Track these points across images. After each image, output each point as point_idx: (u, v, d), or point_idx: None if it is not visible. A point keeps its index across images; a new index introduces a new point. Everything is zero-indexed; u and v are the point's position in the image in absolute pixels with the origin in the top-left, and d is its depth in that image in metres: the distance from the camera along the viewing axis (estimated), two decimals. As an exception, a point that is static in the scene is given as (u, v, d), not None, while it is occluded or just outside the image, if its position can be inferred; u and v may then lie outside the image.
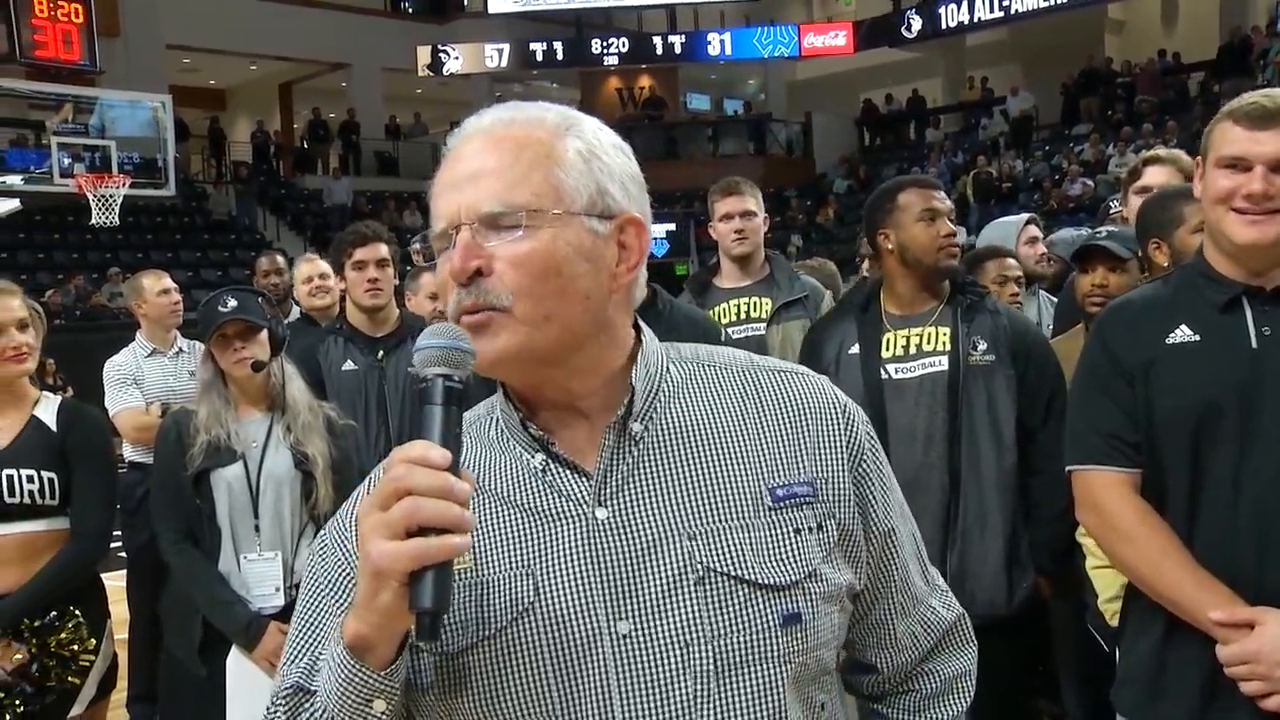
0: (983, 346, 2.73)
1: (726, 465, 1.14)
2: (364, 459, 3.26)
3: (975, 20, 22.14)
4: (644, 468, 1.13)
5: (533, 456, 1.13)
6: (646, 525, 1.10)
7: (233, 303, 2.89)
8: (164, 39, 20.09)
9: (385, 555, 0.95)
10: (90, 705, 2.84)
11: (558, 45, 24.62)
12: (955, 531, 2.70)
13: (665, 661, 1.08)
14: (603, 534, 1.10)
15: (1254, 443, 1.85)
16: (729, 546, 1.11)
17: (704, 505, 1.12)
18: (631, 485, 1.12)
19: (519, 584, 1.10)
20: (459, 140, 1.15)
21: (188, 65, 23.00)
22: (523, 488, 1.13)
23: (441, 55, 23.95)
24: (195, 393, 3.05)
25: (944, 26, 22.69)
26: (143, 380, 4.59)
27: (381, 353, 3.60)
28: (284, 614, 2.93)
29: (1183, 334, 1.93)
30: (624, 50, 24.86)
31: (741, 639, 1.09)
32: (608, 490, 1.11)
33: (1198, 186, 1.97)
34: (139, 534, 4.37)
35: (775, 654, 1.10)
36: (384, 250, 3.64)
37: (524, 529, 1.11)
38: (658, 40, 24.96)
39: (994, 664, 2.56)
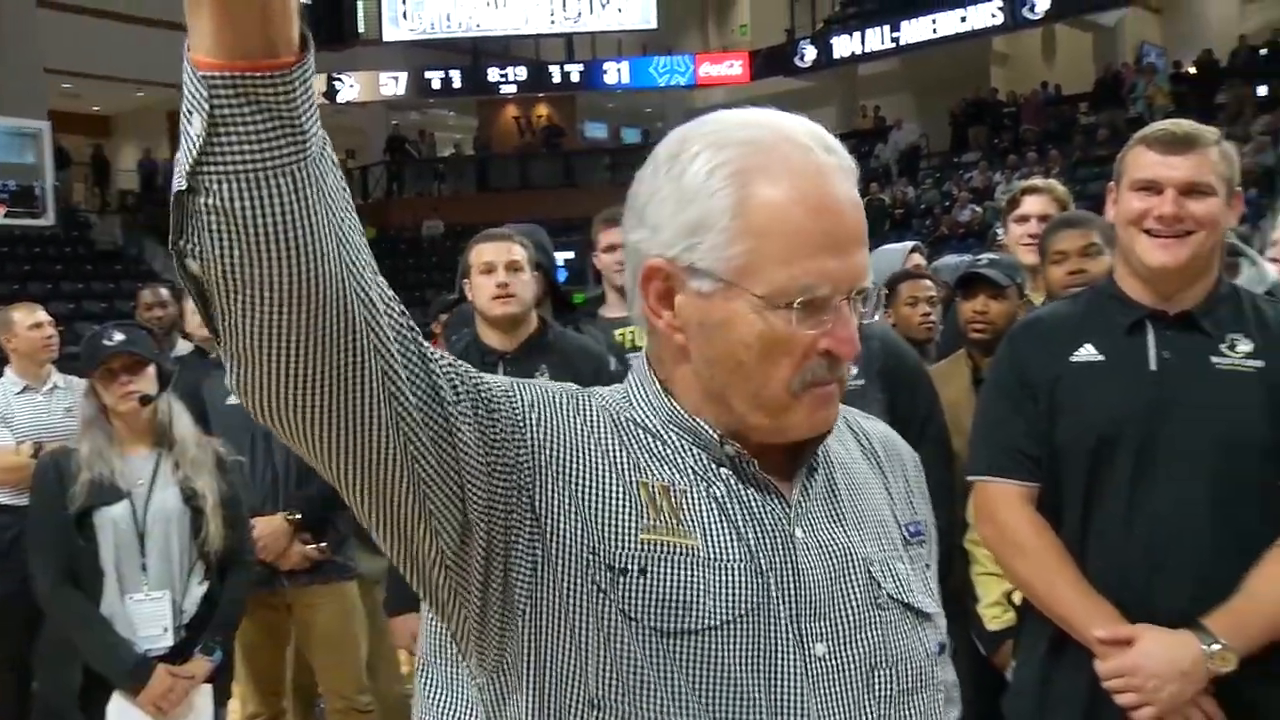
0: (853, 371, 2.75)
1: (874, 498, 1.16)
2: (250, 495, 3.18)
3: (867, 51, 22.66)
4: (823, 494, 1.11)
5: (716, 471, 1.06)
6: (834, 550, 1.09)
7: (119, 336, 2.82)
8: (43, 63, 19.43)
9: None
10: None
11: (455, 73, 24.51)
12: None
13: (855, 685, 1.07)
14: (800, 555, 1.07)
15: (1149, 465, 1.89)
16: (898, 575, 1.12)
17: (872, 534, 1.12)
18: (817, 510, 1.10)
19: (752, 578, 1.03)
20: (822, 170, 1.01)
21: (69, 90, 22.29)
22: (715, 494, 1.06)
23: (336, 83, 23.60)
24: (73, 430, 2.94)
25: (837, 57, 23.19)
26: (12, 419, 4.35)
27: None
28: (172, 655, 2.83)
29: (1088, 353, 1.97)
30: (521, 79, 24.85)
31: (915, 665, 1.11)
32: (799, 512, 1.08)
33: (1111, 210, 2.01)
34: (7, 580, 4.09)
35: (935, 680, 1.12)
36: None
37: (730, 529, 1.05)
38: (555, 69, 25.00)
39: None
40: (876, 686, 1.08)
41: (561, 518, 1.00)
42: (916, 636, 1.11)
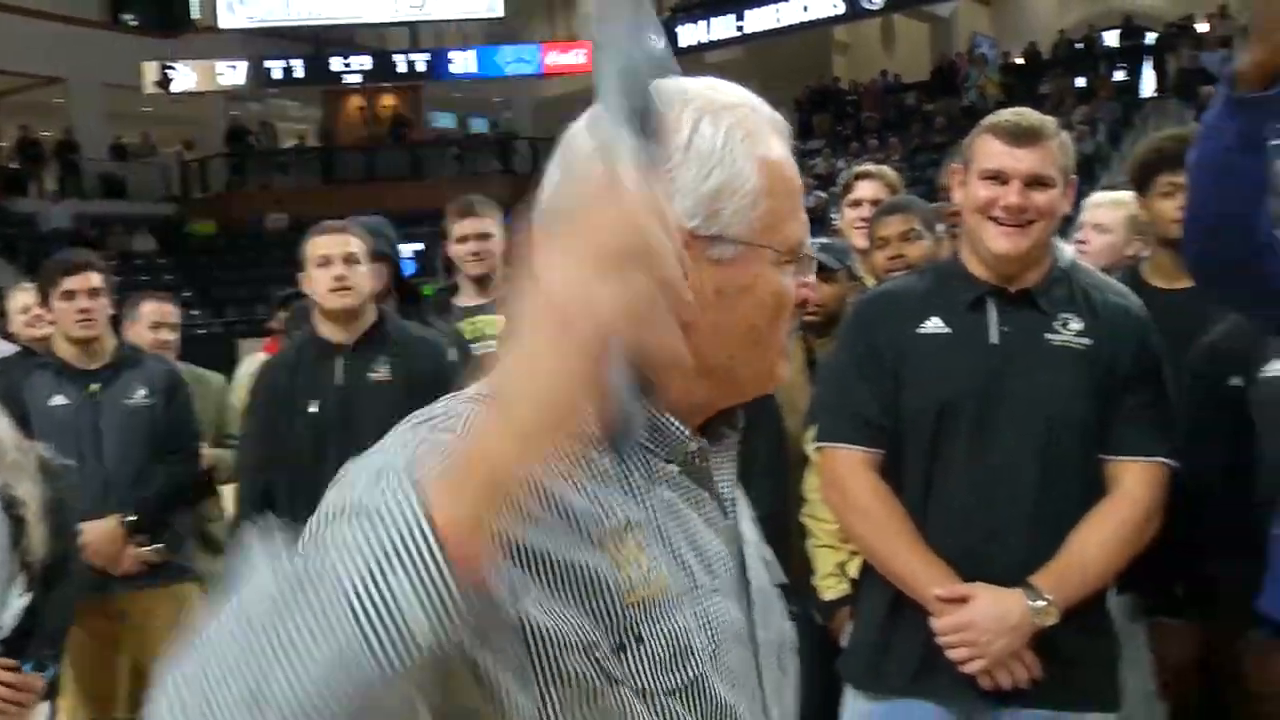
0: None
1: None
2: (79, 500, 3.05)
3: (713, 39, 22.95)
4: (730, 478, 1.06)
5: (665, 465, 0.96)
6: (749, 542, 1.05)
7: None
8: None
9: (617, 311, 0.71)
10: None
11: (296, 63, 23.85)
12: None
13: (775, 666, 1.05)
14: (741, 551, 1.03)
15: (986, 433, 1.99)
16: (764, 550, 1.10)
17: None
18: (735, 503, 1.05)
19: (724, 597, 0.98)
20: (782, 131, 1.00)
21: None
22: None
23: (169, 72, 22.76)
24: None
25: (683, 45, 23.39)
26: None
27: (95, 386, 3.39)
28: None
29: (934, 325, 2.05)
30: (366, 69, 24.36)
31: (789, 635, 1.10)
32: (731, 503, 1.03)
33: (958, 192, 2.10)
34: None
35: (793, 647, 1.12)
36: (96, 279, 3.42)
37: (690, 549, 0.96)
38: (400, 59, 24.59)
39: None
40: (786, 665, 1.08)
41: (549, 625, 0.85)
42: (781, 605, 1.11)
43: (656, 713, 0.89)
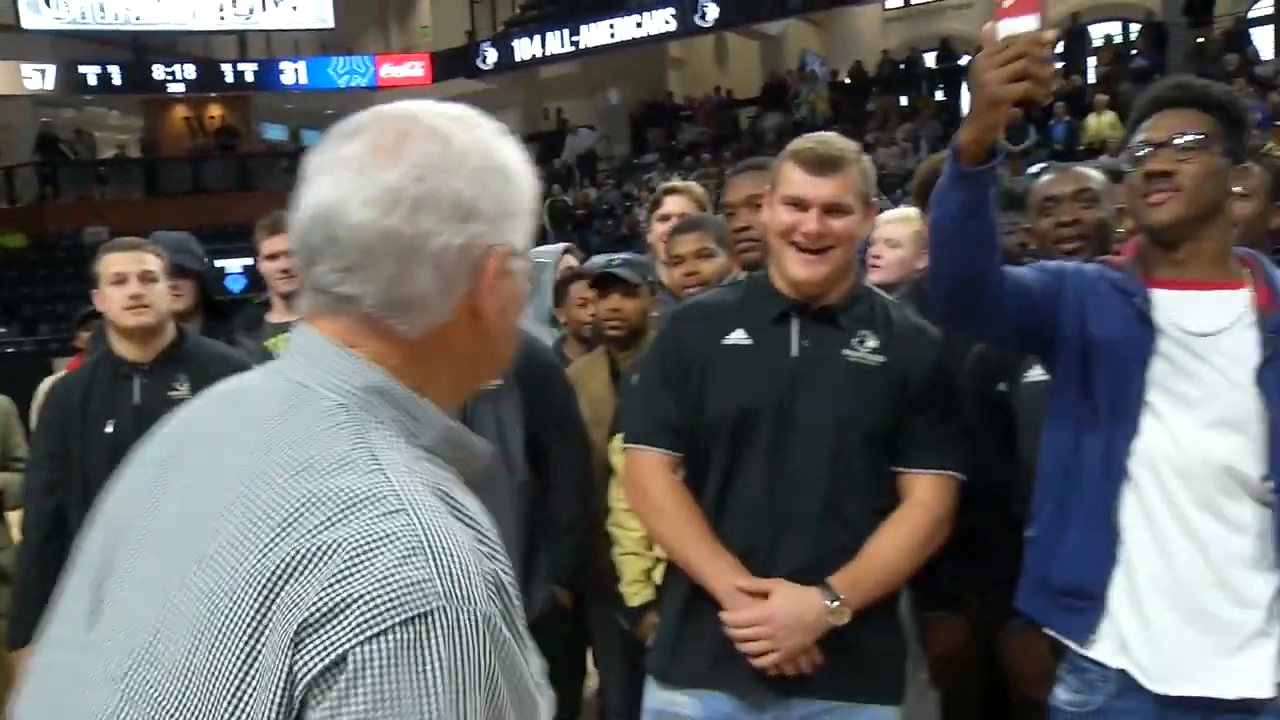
0: None
1: None
2: None
3: (547, 54, 23.00)
4: None
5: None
6: None
7: None
8: None
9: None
10: None
11: (114, 69, 22.89)
12: None
13: None
14: None
15: (782, 441, 2.07)
16: None
17: None
18: None
19: None
20: None
21: None
22: None
23: (-33, 73, 21.54)
24: None
25: (518, 59, 23.39)
26: None
27: None
28: None
29: (739, 337, 2.14)
30: (191, 78, 23.57)
31: None
32: None
33: (765, 214, 2.18)
34: None
35: None
36: None
37: None
38: (228, 68, 23.87)
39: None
40: None
41: None
42: None
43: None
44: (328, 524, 0.88)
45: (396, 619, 0.84)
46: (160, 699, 0.89)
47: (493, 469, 2.74)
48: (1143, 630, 1.87)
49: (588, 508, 2.88)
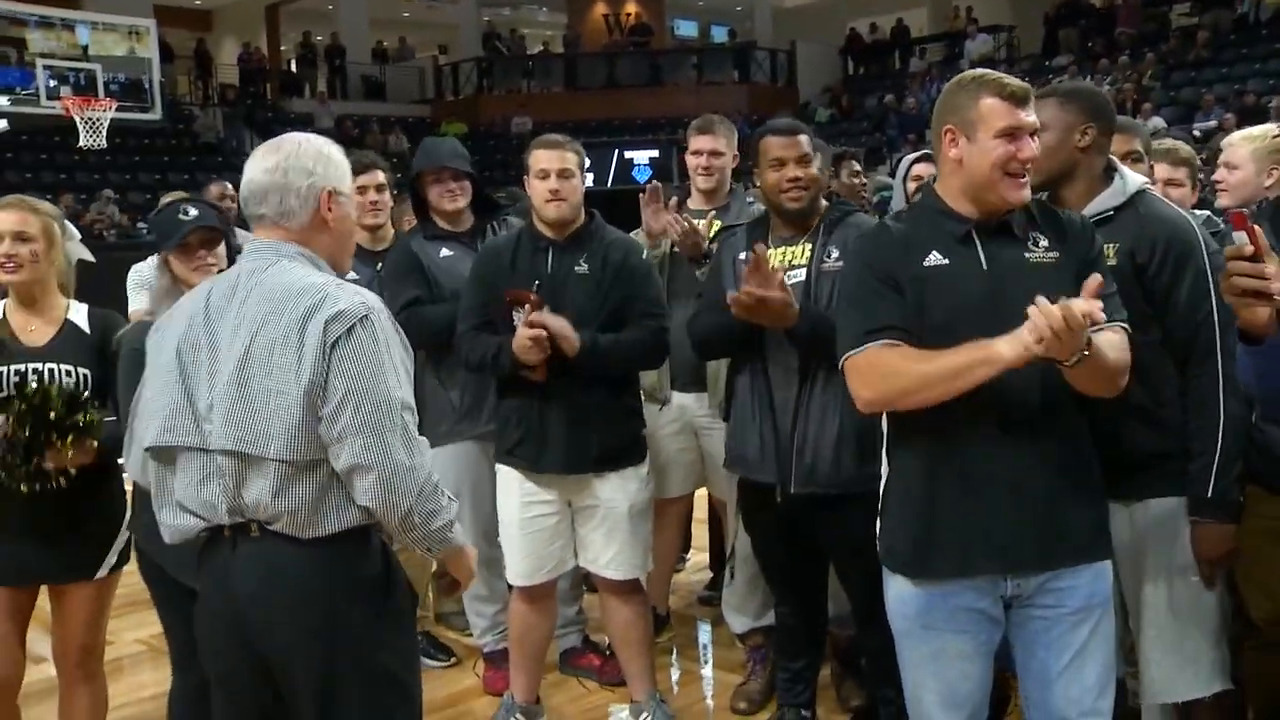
0: (835, 254, 3.14)
1: None
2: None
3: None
4: None
5: None
6: None
7: (194, 212, 2.91)
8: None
9: None
10: (111, 571, 3.10)
11: (546, -31, 24.40)
12: (803, 410, 3.13)
13: None
14: None
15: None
16: None
17: None
18: None
19: None
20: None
21: (172, -15, 22.93)
22: None
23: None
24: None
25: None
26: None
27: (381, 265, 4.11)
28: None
29: (935, 259, 2.33)
30: (611, -26, 24.74)
31: None
32: None
33: (954, 149, 2.32)
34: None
35: None
36: (381, 176, 4.20)
37: None
38: (645, -37, 24.81)
39: (842, 527, 3.11)
40: None
41: None
42: None
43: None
44: (319, 294, 2.10)
45: (361, 315, 2.08)
46: (261, 384, 2.10)
47: None
48: None
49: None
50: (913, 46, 24.44)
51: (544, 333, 3.22)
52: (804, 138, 3.22)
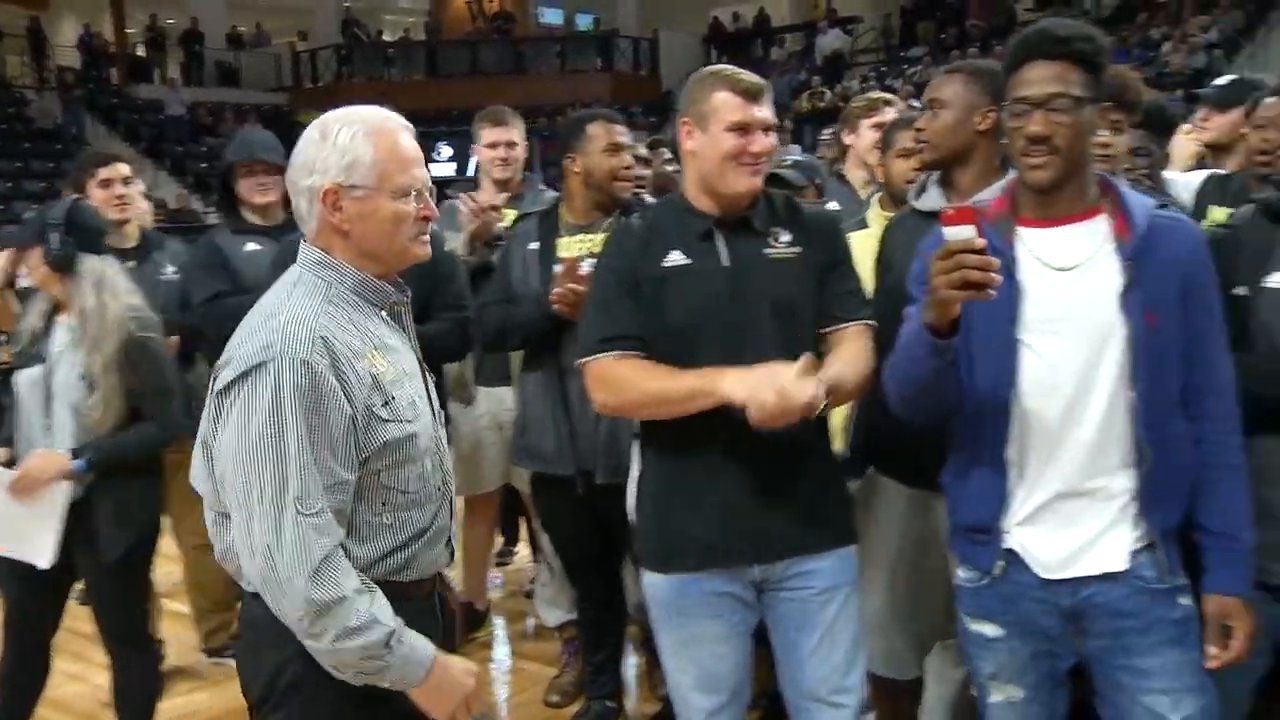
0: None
1: None
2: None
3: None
4: None
5: (381, 311, 1.94)
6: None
7: None
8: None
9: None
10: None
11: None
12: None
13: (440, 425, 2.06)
14: (419, 359, 2.05)
15: (735, 339, 2.25)
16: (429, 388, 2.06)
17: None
18: None
19: (419, 384, 1.97)
20: (399, 130, 1.85)
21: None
22: None
23: (282, -40, 23.17)
24: None
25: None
26: None
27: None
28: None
29: (676, 258, 2.32)
30: (471, -42, 24.41)
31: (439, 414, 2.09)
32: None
33: (691, 141, 2.32)
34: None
35: None
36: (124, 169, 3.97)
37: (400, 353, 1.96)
38: (508, -51, 24.55)
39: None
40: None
41: None
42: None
43: (404, 433, 1.79)
44: (248, 329, 1.78)
45: (255, 363, 1.69)
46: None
47: None
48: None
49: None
50: (773, 35, 24.73)
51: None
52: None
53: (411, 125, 1.86)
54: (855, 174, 4.14)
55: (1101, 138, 2.58)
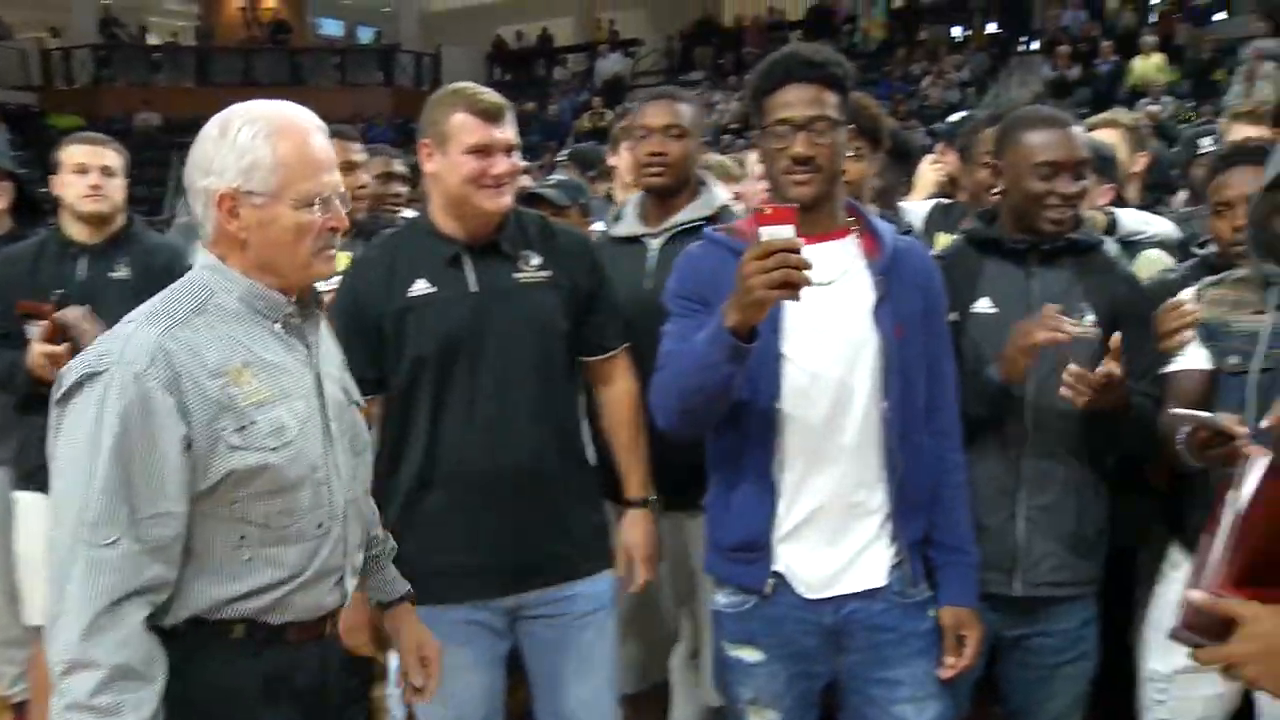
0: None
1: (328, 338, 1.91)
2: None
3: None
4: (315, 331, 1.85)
5: (272, 324, 1.70)
6: (327, 373, 1.82)
7: None
8: None
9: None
10: None
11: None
12: None
13: (345, 446, 1.83)
14: (319, 376, 1.80)
15: (481, 364, 2.26)
16: (346, 380, 1.87)
17: (328, 355, 1.82)
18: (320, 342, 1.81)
19: (307, 404, 1.77)
20: (310, 130, 1.69)
21: None
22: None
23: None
24: None
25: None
26: None
27: None
28: None
29: (422, 286, 2.29)
30: (246, -35, 23.56)
31: (361, 430, 1.91)
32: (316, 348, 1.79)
33: (432, 163, 2.30)
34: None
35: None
36: None
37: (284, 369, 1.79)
38: (284, -42, 23.82)
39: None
40: (357, 446, 1.80)
41: None
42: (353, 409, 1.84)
43: (259, 461, 1.59)
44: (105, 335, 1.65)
45: (84, 374, 1.55)
46: None
47: None
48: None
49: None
50: (556, 55, 24.87)
51: (61, 349, 2.89)
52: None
53: (325, 125, 1.71)
54: (622, 195, 4.19)
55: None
